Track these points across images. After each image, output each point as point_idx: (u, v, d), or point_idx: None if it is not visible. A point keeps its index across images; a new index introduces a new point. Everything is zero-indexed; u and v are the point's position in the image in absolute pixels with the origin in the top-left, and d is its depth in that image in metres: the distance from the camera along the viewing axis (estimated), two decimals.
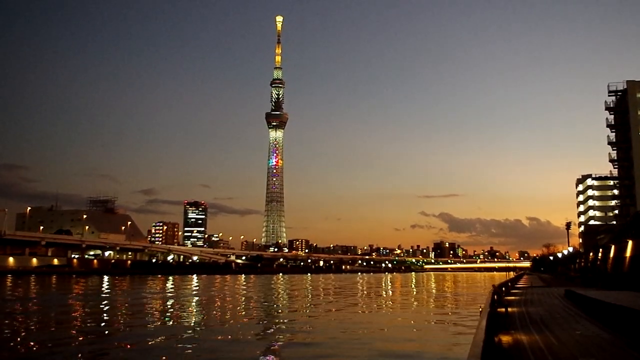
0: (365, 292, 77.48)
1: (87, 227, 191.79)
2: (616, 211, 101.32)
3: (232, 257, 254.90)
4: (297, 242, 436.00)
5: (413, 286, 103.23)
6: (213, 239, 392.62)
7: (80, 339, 25.72)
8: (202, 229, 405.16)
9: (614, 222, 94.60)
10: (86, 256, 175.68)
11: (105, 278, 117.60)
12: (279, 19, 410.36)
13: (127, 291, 70.41)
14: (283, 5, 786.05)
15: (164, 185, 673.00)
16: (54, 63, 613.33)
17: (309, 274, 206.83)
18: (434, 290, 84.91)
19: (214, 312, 41.45)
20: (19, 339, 25.40)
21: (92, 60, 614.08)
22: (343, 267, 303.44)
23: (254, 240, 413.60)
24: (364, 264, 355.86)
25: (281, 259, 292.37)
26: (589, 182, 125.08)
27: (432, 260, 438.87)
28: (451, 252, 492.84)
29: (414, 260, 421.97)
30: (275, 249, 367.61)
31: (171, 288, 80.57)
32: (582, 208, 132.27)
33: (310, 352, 22.18)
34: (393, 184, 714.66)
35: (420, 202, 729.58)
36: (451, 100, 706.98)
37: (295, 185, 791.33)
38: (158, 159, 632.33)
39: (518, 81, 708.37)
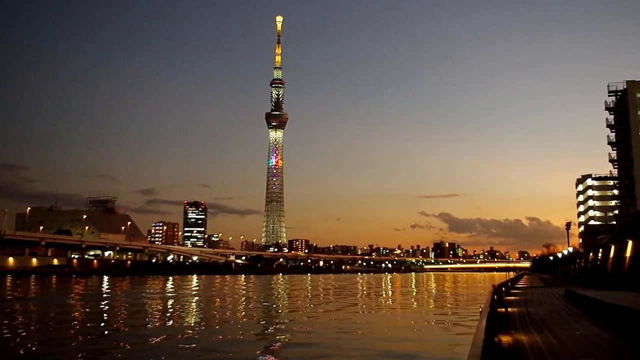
0: (365, 292, 77.48)
1: (87, 227, 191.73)
2: (616, 211, 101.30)
3: (232, 257, 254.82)
4: (297, 242, 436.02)
5: (413, 286, 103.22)
6: (213, 239, 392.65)
7: (80, 339, 25.70)
8: (202, 229, 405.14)
9: (614, 222, 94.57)
10: (86, 256, 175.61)
11: (105, 278, 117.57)
12: (279, 19, 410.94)
13: (127, 291, 70.39)
14: (283, 5, 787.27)
15: (164, 185, 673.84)
16: (54, 63, 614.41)
17: (308, 274, 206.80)
18: (433, 291, 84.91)
19: (214, 312, 41.43)
20: (18, 339, 25.37)
21: (92, 60, 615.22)
22: (343, 267, 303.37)
23: (254, 240, 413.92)
24: (364, 264, 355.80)
25: (281, 259, 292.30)
26: (589, 182, 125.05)
27: (432, 261, 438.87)
28: (451, 252, 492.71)
29: (413, 260, 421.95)
30: (275, 249, 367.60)
31: (171, 288, 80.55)
32: (582, 208, 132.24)
33: (310, 352, 22.17)
34: (393, 184, 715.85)
35: (420, 202, 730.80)
36: (451, 100, 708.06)
37: (295, 185, 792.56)
38: (158, 159, 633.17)
39: (518, 81, 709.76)
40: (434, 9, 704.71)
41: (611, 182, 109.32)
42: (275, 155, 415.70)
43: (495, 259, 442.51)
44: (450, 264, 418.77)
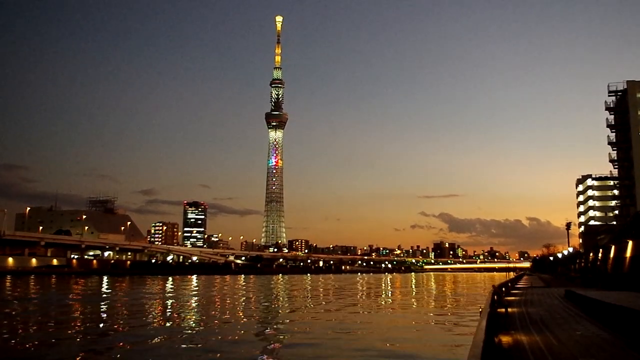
0: (364, 292, 77.45)
1: (86, 228, 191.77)
2: (616, 211, 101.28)
3: (232, 258, 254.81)
4: (297, 243, 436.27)
5: (413, 287, 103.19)
6: (213, 239, 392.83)
7: (80, 339, 25.68)
8: (202, 229, 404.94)
9: (614, 223, 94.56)
10: (85, 256, 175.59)
11: (105, 278, 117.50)
12: (279, 19, 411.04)
13: (126, 291, 70.36)
14: (283, 5, 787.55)
15: (164, 185, 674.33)
16: (54, 63, 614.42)
17: (308, 275, 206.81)
18: (433, 291, 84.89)
19: (214, 312, 41.40)
20: (18, 340, 25.36)
21: (92, 60, 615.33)
22: (343, 267, 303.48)
23: (254, 240, 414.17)
24: (364, 264, 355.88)
25: (281, 260, 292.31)
26: (589, 182, 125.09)
27: (432, 261, 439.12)
28: (451, 252, 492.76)
29: (413, 260, 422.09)
30: (275, 249, 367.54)
31: (171, 288, 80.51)
32: (582, 208, 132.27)
33: (310, 352, 22.14)
34: (393, 184, 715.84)
35: (420, 202, 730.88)
36: (451, 100, 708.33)
37: (295, 185, 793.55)
38: (158, 159, 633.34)
39: (518, 81, 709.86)
40: (434, 9, 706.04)
41: (611, 182, 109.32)
42: (275, 155, 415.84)
43: (495, 259, 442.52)
44: (450, 264, 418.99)
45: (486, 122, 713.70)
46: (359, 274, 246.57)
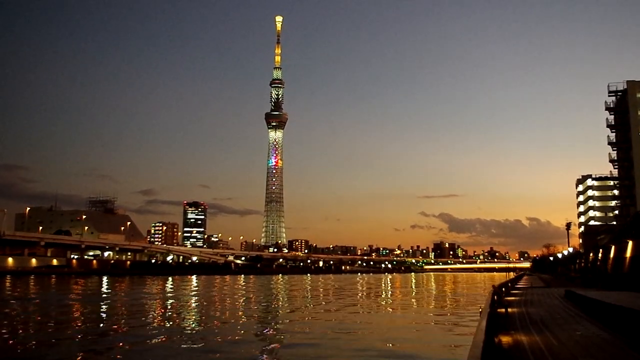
0: (364, 292, 77.42)
1: (86, 228, 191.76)
2: (616, 211, 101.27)
3: (231, 258, 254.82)
4: (297, 243, 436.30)
5: (413, 287, 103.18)
6: (212, 239, 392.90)
7: (80, 339, 25.67)
8: (202, 229, 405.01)
9: (614, 223, 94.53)
10: (85, 257, 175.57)
11: (105, 278, 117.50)
12: (279, 19, 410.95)
13: (126, 291, 70.35)
14: (283, 5, 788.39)
15: (164, 185, 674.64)
16: (54, 63, 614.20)
17: (308, 275, 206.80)
18: (433, 291, 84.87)
19: (214, 312, 41.38)
20: (18, 340, 25.36)
21: (92, 60, 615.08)
22: (343, 267, 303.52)
23: (254, 240, 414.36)
24: (364, 264, 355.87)
25: (281, 260, 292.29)
26: (589, 182, 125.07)
27: (432, 261, 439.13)
28: (451, 252, 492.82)
29: (413, 260, 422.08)
30: (275, 250, 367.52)
31: (170, 288, 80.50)
32: (582, 208, 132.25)
33: (310, 352, 22.12)
34: (393, 184, 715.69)
35: (420, 202, 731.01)
36: (451, 100, 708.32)
37: (295, 185, 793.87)
38: (158, 159, 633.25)
39: (518, 81, 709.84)
40: (434, 9, 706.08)
41: (611, 183, 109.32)
42: (274, 155, 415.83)
43: (495, 260, 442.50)
44: (450, 264, 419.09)
45: (486, 122, 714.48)
46: (359, 274, 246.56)
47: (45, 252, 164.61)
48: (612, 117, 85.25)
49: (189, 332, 28.66)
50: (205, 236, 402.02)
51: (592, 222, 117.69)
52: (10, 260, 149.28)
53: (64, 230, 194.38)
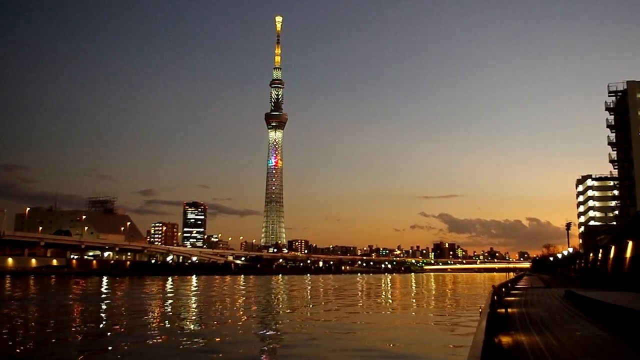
0: (364, 292, 77.39)
1: (86, 228, 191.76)
2: (616, 212, 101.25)
3: (231, 258, 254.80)
4: (297, 243, 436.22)
5: (413, 287, 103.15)
6: (212, 239, 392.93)
7: (79, 339, 25.66)
8: (202, 229, 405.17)
9: (614, 223, 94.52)
10: (85, 257, 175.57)
11: (105, 279, 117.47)
12: (279, 19, 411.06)
13: (126, 292, 70.32)
14: (283, 5, 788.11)
15: (164, 185, 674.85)
16: (54, 63, 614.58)
17: (308, 275, 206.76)
18: (433, 291, 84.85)
19: (214, 312, 41.34)
20: (17, 340, 25.34)
21: (92, 60, 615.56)
22: (342, 267, 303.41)
23: (254, 241, 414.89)
24: (364, 264, 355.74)
25: (280, 260, 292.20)
26: (589, 182, 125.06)
27: (432, 261, 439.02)
28: (451, 252, 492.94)
29: (413, 260, 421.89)
30: (275, 250, 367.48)
31: (170, 289, 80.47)
32: (582, 209, 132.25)
33: (310, 352, 22.12)
34: (393, 184, 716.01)
35: (420, 202, 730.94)
36: (451, 100, 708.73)
37: (295, 185, 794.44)
38: (158, 159, 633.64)
39: (518, 81, 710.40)
40: (434, 9, 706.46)
41: (611, 183, 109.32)
42: (274, 155, 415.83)
43: (495, 260, 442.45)
44: (450, 264, 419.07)
45: (486, 122, 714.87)
46: (359, 274, 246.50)
47: (45, 253, 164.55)
48: (612, 117, 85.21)
49: (189, 332, 28.64)
50: (205, 236, 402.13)
51: (592, 223, 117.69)
52: (10, 260, 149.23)
53: (63, 230, 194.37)
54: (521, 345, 12.66)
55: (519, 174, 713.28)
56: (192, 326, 31.76)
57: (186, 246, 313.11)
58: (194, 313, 41.15)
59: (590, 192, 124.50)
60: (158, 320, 35.70)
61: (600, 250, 59.56)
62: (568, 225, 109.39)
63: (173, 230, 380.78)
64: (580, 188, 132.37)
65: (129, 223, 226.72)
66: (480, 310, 17.31)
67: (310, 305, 50.04)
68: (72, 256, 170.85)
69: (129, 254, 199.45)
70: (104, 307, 44.84)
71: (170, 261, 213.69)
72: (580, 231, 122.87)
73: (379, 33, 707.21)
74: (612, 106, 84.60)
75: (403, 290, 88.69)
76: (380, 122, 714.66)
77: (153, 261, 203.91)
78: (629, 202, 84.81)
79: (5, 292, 65.85)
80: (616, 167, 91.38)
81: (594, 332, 15.10)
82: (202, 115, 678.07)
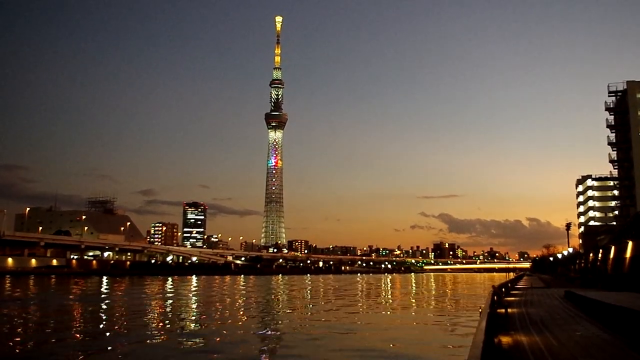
0: (364, 292, 77.38)
1: (86, 228, 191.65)
2: (616, 212, 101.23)
3: (231, 258, 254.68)
4: (297, 243, 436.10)
5: (413, 287, 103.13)
6: (212, 239, 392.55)
7: (79, 339, 25.66)
8: (201, 229, 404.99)
9: (614, 223, 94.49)
10: (85, 257, 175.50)
11: (104, 279, 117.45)
12: (279, 19, 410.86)
13: (126, 292, 70.30)
14: (283, 5, 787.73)
15: (163, 185, 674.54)
16: (54, 63, 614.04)
17: (308, 275, 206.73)
18: (433, 291, 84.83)
19: (214, 312, 41.34)
20: (17, 340, 25.33)
21: (92, 60, 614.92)
22: (342, 268, 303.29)
23: (253, 241, 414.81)
24: (364, 264, 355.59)
25: (280, 260, 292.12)
26: (589, 182, 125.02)
27: (432, 261, 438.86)
28: (451, 252, 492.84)
29: (413, 261, 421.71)
30: (275, 250, 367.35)
31: (170, 289, 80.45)
32: (582, 209, 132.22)
33: (310, 352, 22.11)
34: (393, 184, 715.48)
35: (420, 202, 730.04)
36: (451, 100, 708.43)
37: (295, 185, 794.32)
38: (158, 159, 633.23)
39: (518, 81, 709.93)
40: (434, 9, 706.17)
41: (611, 183, 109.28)
42: (274, 155, 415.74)
43: (495, 260, 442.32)
44: (450, 264, 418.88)
45: (486, 122, 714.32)
46: (359, 274, 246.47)
47: (45, 253, 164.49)
48: (612, 117, 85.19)
49: (189, 332, 28.64)
50: (205, 236, 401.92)
51: (592, 223, 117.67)
52: (10, 260, 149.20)
53: (63, 230, 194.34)
54: (521, 346, 12.66)
55: (519, 174, 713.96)
56: (192, 326, 31.76)
57: (186, 246, 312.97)
58: (194, 313, 41.15)
59: (590, 192, 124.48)
60: (158, 320, 35.69)
61: (600, 250, 59.55)
62: (568, 226, 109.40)
63: (173, 230, 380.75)
64: (580, 188, 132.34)
65: (128, 223, 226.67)
66: (480, 310, 17.31)
67: (310, 306, 50.03)
68: (72, 256, 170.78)
69: (128, 254, 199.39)
70: (103, 307, 44.83)
71: (170, 261, 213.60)
72: (580, 231, 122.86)
73: (379, 33, 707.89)
74: (612, 106, 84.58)
75: (403, 290, 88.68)
76: (380, 122, 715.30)
77: (153, 261, 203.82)
78: (629, 202, 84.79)
79: (5, 292, 65.84)
80: (616, 167, 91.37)
81: (594, 332, 15.09)
82: (202, 115, 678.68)
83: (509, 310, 21.18)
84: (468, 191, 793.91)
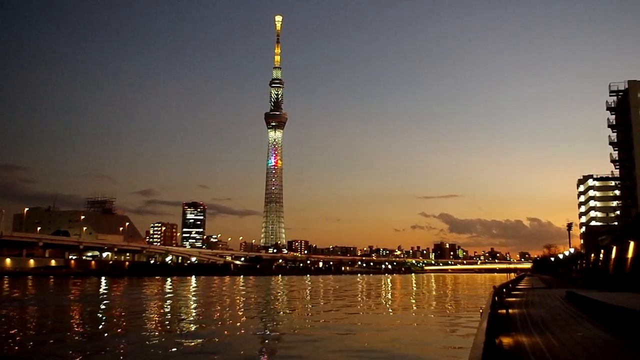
0: (364, 293, 77.29)
1: (84, 228, 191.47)
2: (617, 212, 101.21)
3: (230, 259, 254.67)
4: (297, 243, 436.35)
5: (413, 287, 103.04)
6: (212, 240, 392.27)
7: (78, 340, 25.54)
8: (201, 230, 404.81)
9: (616, 223, 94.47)
10: (84, 257, 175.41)
11: (103, 279, 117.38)
12: (279, 18, 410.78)
13: (125, 292, 70.20)
14: (283, 5, 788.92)
15: (163, 186, 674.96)
16: (54, 63, 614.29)
17: (308, 275, 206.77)
18: (434, 292, 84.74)
19: (213, 312, 41.22)
20: (15, 340, 25.20)
21: (92, 60, 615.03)
22: (342, 268, 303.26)
23: (253, 241, 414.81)
24: (364, 265, 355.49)
25: (280, 260, 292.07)
26: (590, 182, 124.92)
27: (433, 262, 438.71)
28: (451, 253, 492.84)
29: (414, 261, 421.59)
30: (274, 250, 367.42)
31: (169, 289, 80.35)
32: (583, 209, 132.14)
33: (309, 352, 21.99)
34: (393, 184, 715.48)
35: (420, 202, 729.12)
36: (451, 100, 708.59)
37: (295, 185, 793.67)
38: (157, 160, 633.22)
39: (518, 81, 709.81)
40: (434, 9, 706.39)
41: (613, 183, 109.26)
42: (274, 155, 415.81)
43: (496, 260, 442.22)
44: (451, 265, 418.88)
45: (486, 122, 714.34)
46: (359, 275, 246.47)
47: (44, 253, 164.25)
48: (614, 117, 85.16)
49: (188, 332, 28.52)
50: (205, 237, 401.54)
51: (593, 223, 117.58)
52: (8, 261, 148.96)
53: (62, 230, 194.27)
54: (522, 346, 12.54)
55: (520, 174, 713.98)
56: (191, 327, 31.63)
57: (185, 247, 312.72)
58: (193, 313, 41.04)
59: (591, 192, 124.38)
60: (157, 321, 35.56)
61: (602, 250, 59.48)
62: (569, 226, 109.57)
63: (172, 230, 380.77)
64: (582, 188, 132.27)
65: (127, 223, 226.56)
66: (480, 311, 17.16)
67: (310, 306, 49.92)
68: (70, 257, 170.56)
69: (127, 254, 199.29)
70: (102, 307, 44.71)
71: (170, 262, 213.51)
72: (582, 231, 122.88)
73: (379, 33, 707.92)
74: (613, 106, 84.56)
75: (403, 291, 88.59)
76: (380, 122, 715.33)
77: (152, 262, 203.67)
78: (630, 202, 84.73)
79: (4, 292, 65.74)
80: (617, 167, 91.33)
81: (596, 333, 14.99)
82: (201, 115, 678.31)
83: (510, 310, 21.07)
84: (468, 191, 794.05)
